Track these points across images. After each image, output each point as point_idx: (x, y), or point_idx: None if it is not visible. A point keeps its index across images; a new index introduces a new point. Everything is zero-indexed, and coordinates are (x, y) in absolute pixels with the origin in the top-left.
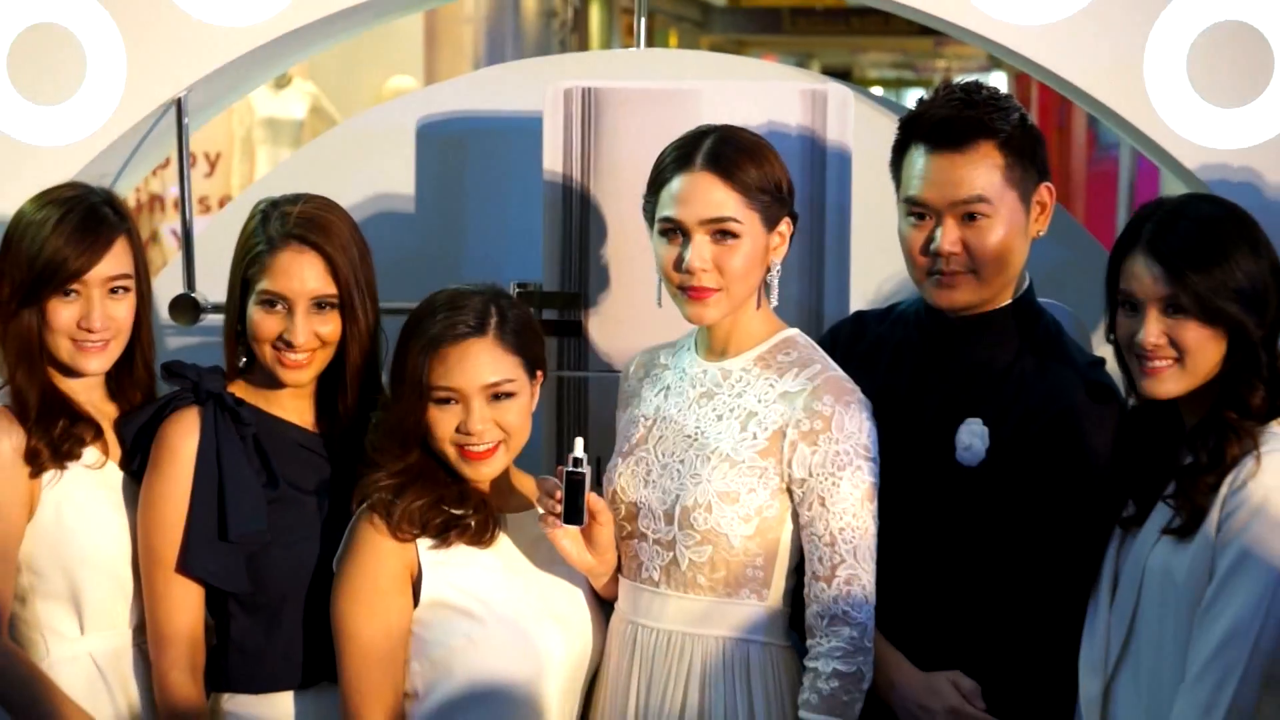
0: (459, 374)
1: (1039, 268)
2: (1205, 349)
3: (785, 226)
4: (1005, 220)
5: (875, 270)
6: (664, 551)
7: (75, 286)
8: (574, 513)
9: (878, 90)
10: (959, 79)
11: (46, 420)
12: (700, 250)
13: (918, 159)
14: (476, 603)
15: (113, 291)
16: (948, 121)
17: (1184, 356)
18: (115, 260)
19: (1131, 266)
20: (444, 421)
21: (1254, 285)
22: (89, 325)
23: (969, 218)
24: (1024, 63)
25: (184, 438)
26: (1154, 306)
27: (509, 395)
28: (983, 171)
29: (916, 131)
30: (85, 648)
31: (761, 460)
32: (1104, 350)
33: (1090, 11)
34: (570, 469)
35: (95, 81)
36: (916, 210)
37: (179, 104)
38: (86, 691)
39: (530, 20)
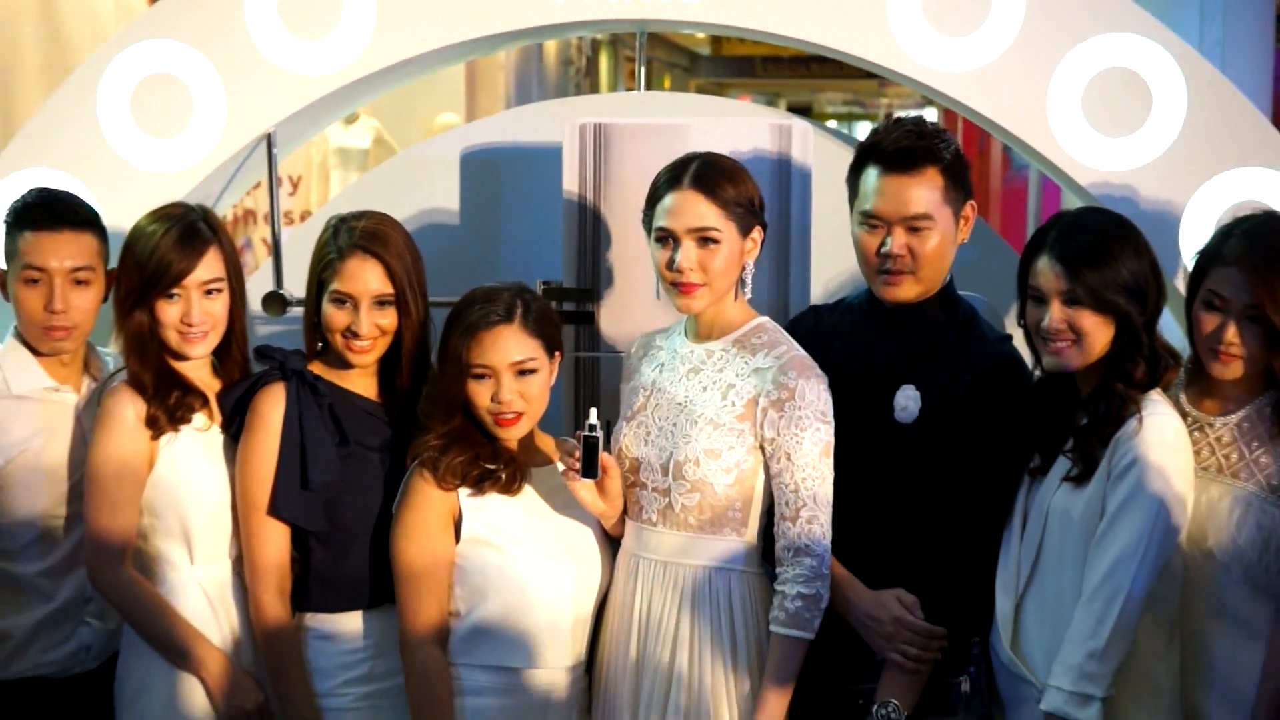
0: (491, 354)
1: (964, 266)
2: (1097, 332)
3: (757, 234)
4: (941, 231)
5: (830, 270)
6: (661, 497)
7: (176, 290)
8: (590, 468)
9: (832, 123)
10: (899, 113)
11: (164, 393)
12: (688, 254)
13: (873, 178)
14: (506, 539)
15: (208, 292)
16: (903, 150)
17: (1080, 338)
18: (208, 266)
19: (1038, 266)
20: (480, 393)
21: (1136, 281)
22: (189, 321)
23: (914, 229)
24: (950, 101)
25: (272, 407)
26: (1056, 298)
27: (532, 371)
28: (926, 191)
29: (874, 156)
30: (195, 576)
31: (739, 423)
32: (1013, 331)
33: (1002, 61)
34: (587, 433)
35: (201, 120)
36: (871, 220)
37: (269, 138)
38: (196, 611)
39: (551, 68)
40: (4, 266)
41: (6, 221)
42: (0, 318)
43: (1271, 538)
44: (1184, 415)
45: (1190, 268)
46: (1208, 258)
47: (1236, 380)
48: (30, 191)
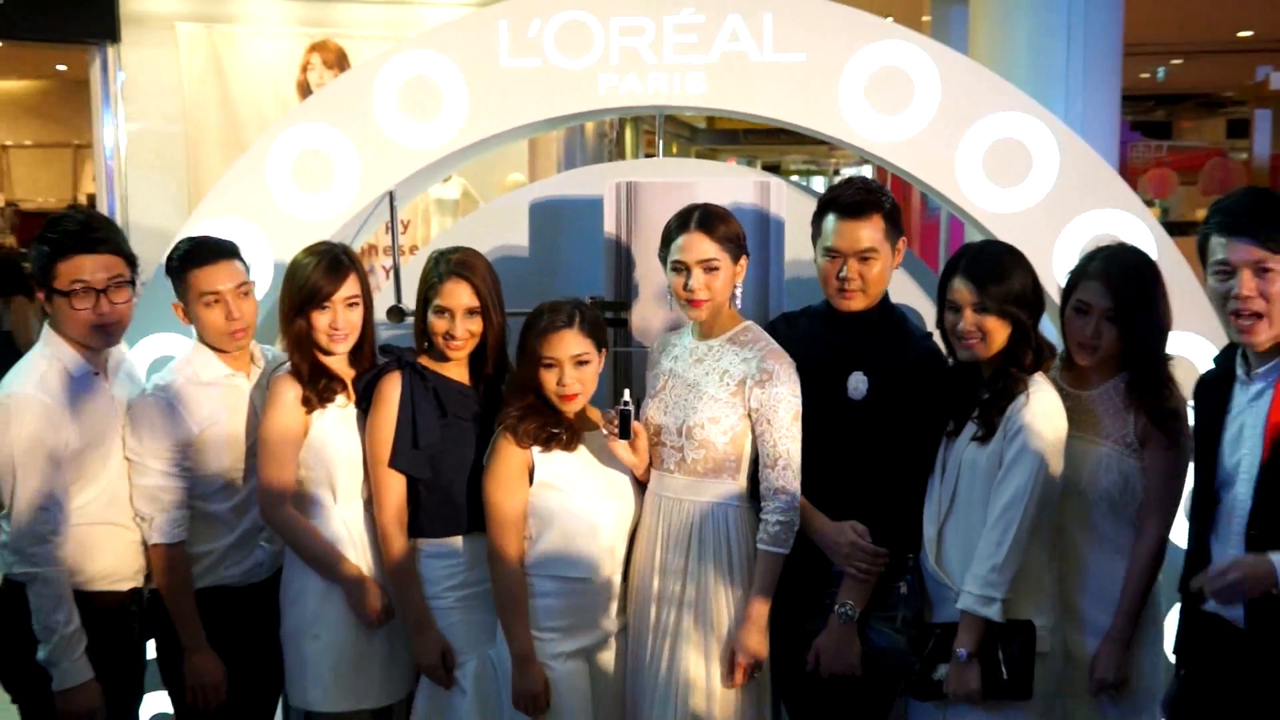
0: (557, 349)
1: (895, 283)
2: (997, 332)
3: (743, 261)
4: (882, 260)
5: (796, 287)
6: (676, 453)
7: (326, 304)
8: (625, 432)
9: (795, 177)
10: (845, 169)
11: (315, 380)
12: (697, 279)
13: (831, 222)
14: (566, 484)
15: (348, 306)
16: (855, 203)
17: (985, 337)
18: (349, 287)
19: (954, 284)
20: (548, 378)
21: (1026, 293)
22: (335, 327)
23: (864, 259)
24: (883, 162)
25: (392, 389)
26: (967, 308)
27: (587, 362)
28: (872, 232)
29: (832, 206)
30: (338, 513)
31: (733, 398)
32: (932, 330)
33: (923, 133)
34: (622, 406)
35: (341, 181)
36: (831, 253)
37: (390, 195)
38: (339, 537)
39: (590, 139)
40: (177, 302)
41: (173, 268)
42: (150, 323)
43: (1128, 480)
44: (1061, 391)
45: (1062, 283)
46: (1076, 275)
47: (1098, 366)
48: (184, 241)
